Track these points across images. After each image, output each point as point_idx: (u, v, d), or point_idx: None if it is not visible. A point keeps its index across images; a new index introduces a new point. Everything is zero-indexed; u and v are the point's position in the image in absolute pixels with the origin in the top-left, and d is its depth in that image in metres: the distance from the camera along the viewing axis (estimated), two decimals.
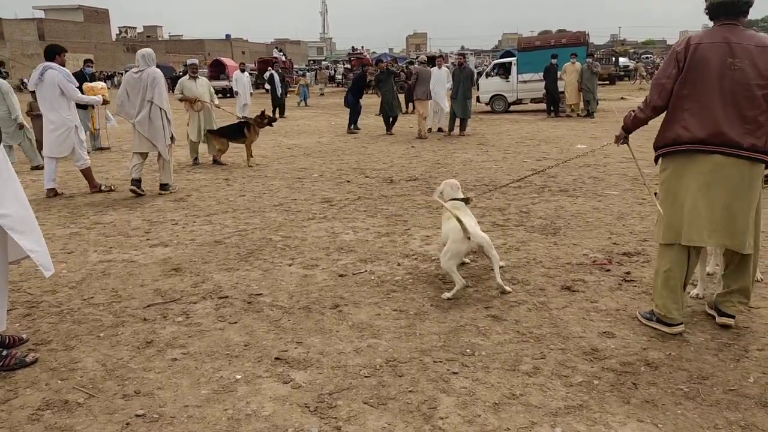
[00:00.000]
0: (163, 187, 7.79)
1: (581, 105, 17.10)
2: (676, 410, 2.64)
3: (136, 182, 7.55)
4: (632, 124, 3.55)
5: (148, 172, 8.67)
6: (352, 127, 14.97)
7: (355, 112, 15.01)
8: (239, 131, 9.99)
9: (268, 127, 10.50)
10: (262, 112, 10.46)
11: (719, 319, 3.45)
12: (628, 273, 4.39)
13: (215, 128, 10.13)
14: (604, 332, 3.44)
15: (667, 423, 2.55)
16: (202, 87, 10.18)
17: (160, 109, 7.39)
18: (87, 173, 7.85)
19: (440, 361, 3.14)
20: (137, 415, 2.69)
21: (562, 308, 3.80)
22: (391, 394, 2.84)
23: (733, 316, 3.42)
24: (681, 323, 3.37)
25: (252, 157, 10.08)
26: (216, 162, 10.22)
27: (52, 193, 7.67)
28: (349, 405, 2.76)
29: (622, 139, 3.73)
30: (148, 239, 5.61)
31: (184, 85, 10.01)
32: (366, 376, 3.01)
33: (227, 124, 10.27)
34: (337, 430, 2.57)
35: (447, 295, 3.98)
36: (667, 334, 3.35)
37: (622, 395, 2.77)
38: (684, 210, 3.23)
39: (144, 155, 7.68)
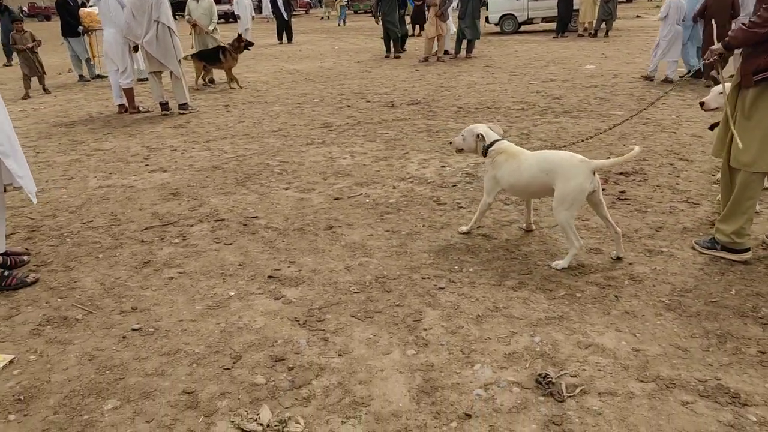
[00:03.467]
0: (183, 107, 8.08)
1: (594, 24, 16.44)
2: (656, 321, 2.70)
3: (164, 106, 8.02)
4: (745, 40, 3.00)
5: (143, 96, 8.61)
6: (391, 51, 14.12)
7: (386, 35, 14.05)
8: (215, 56, 9.95)
9: (246, 51, 10.34)
10: (239, 36, 10.24)
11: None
12: (623, 192, 4.37)
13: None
14: (593, 249, 3.47)
15: (645, 332, 2.61)
16: (202, 8, 10.23)
17: (168, 27, 7.48)
18: (129, 93, 8.13)
19: (428, 278, 3.20)
20: (133, 329, 2.81)
21: (552, 227, 3.82)
22: (378, 308, 2.93)
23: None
24: (750, 248, 3.25)
25: (235, 80, 10.19)
26: (205, 84, 10.49)
27: (123, 109, 8.21)
28: (338, 318, 2.85)
29: (716, 56, 3.22)
30: (146, 165, 5.64)
31: (189, 6, 10.20)
32: (355, 292, 3.09)
33: (205, 48, 10.22)
34: (324, 341, 2.67)
35: (559, 263, 3.28)
36: (734, 261, 3.22)
37: (604, 307, 2.83)
38: None
39: (159, 74, 7.89)
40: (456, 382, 2.35)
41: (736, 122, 3.13)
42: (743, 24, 3.00)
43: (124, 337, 2.75)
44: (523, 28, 19.30)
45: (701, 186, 4.39)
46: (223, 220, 4.21)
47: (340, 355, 2.56)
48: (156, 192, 4.86)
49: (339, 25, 27.21)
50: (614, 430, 2.04)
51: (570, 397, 2.22)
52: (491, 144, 3.53)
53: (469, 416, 2.15)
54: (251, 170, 5.37)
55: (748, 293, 2.87)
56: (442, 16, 12.50)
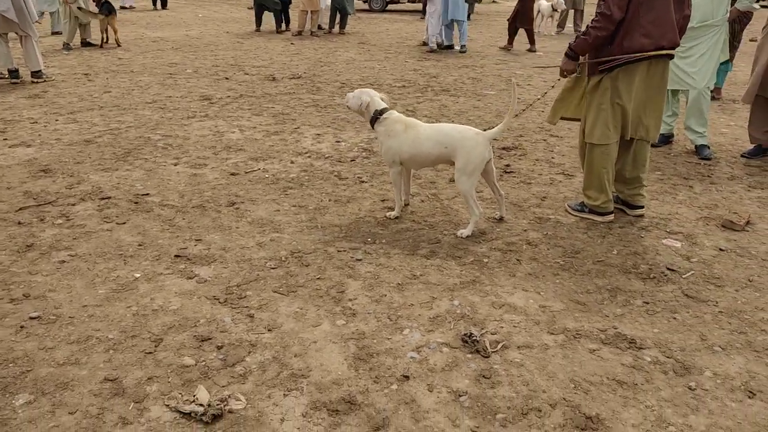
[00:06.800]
0: (36, 74, 7.24)
1: None
2: (555, 280, 2.99)
3: (14, 73, 7.19)
4: (592, 44, 3.37)
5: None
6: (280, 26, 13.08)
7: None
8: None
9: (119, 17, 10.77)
10: None
11: (632, 212, 3.76)
12: (507, 165, 4.71)
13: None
14: (489, 218, 3.73)
15: (547, 290, 2.89)
16: None
17: None
18: None
19: (344, 250, 3.25)
20: (32, 318, 2.55)
21: (451, 198, 4.04)
22: (299, 282, 2.93)
23: (643, 206, 3.76)
24: (612, 212, 3.70)
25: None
26: (88, 44, 10.28)
27: None
28: (259, 294, 2.81)
29: (570, 71, 3.57)
30: (5, 139, 5.02)
31: None
32: (272, 268, 3.06)
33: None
34: (250, 318, 2.62)
35: (464, 232, 3.47)
36: (598, 222, 3.66)
37: (509, 270, 3.08)
38: (626, 111, 3.44)
39: (5, 37, 6.97)
40: (389, 347, 2.44)
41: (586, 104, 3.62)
42: (582, 34, 3.43)
43: (22, 327, 2.49)
44: (390, 6, 19.62)
45: (573, 160, 4.87)
46: (109, 198, 3.90)
47: (269, 330, 2.54)
48: (23, 169, 4.35)
49: None
50: (537, 379, 2.27)
51: (494, 352, 2.41)
52: (381, 113, 3.54)
53: (407, 378, 2.26)
54: (131, 144, 5.00)
55: (627, 252, 3.28)
56: None
